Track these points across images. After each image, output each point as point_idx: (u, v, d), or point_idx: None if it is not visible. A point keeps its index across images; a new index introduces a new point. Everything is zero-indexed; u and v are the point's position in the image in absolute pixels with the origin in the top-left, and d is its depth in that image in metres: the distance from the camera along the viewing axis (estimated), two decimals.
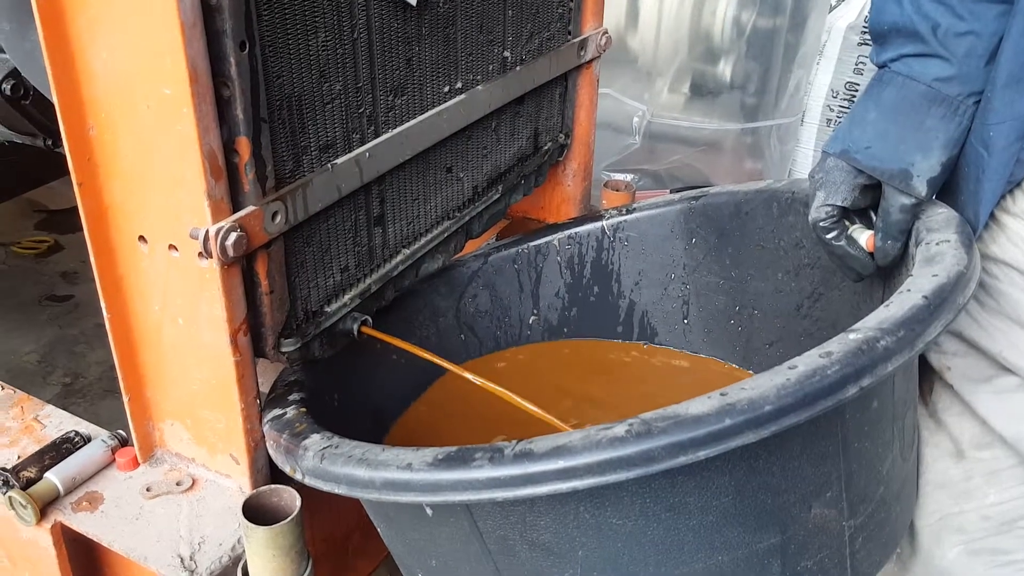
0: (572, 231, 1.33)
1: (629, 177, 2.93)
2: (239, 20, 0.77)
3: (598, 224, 1.33)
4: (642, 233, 1.32)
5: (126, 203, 0.87)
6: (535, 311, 1.33)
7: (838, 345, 0.69)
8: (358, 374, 1.11)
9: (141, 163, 0.83)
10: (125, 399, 0.99)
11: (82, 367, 2.41)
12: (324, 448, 0.79)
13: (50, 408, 1.14)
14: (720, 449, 0.65)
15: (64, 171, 1.67)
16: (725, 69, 3.06)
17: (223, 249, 0.81)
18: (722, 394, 0.67)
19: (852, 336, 0.70)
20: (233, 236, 0.81)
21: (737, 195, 1.23)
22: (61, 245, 2.97)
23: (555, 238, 1.33)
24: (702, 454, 0.65)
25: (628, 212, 1.32)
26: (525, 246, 1.32)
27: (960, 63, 0.88)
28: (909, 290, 0.76)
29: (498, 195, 1.29)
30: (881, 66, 0.95)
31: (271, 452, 0.89)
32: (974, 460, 0.99)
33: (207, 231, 0.80)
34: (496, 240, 1.43)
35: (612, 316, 1.34)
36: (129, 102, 0.80)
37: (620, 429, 0.66)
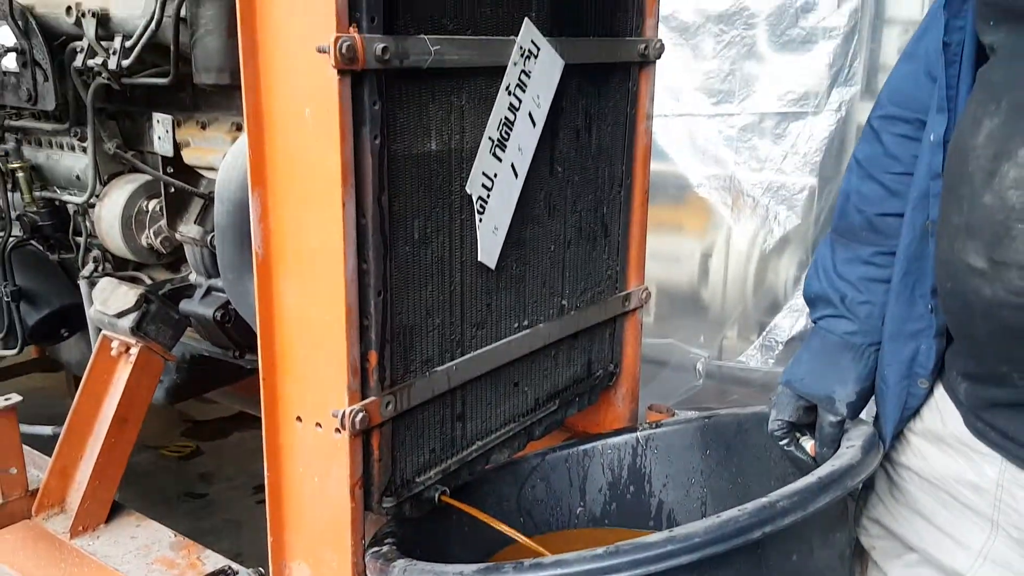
0: (613, 440, 1.69)
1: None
2: (379, 278, 1.22)
3: (633, 435, 1.68)
4: (668, 444, 1.66)
5: (292, 393, 1.30)
6: (582, 503, 1.66)
7: (752, 504, 1.03)
8: (437, 536, 1.45)
9: (306, 366, 1.27)
10: (269, 540, 1.37)
11: None
12: (406, 566, 1.14)
13: (209, 552, 1.53)
14: (666, 565, 0.98)
15: (225, 382, 2.14)
16: (783, 321, 3.44)
17: (353, 424, 1.22)
18: (670, 531, 1.00)
19: (763, 499, 1.03)
20: (360, 416, 1.22)
21: (739, 416, 1.58)
22: (202, 450, 3.45)
23: (599, 444, 1.68)
24: (653, 568, 0.98)
25: (657, 426, 1.68)
26: (575, 449, 1.68)
27: (862, 322, 1.26)
28: (812, 474, 1.09)
29: (555, 407, 1.67)
30: (814, 323, 1.34)
31: (368, 574, 1.24)
32: None
33: (344, 411, 1.22)
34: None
35: (645, 511, 1.66)
36: (305, 327, 1.25)
37: (600, 550, 1.00)
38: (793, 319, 3.31)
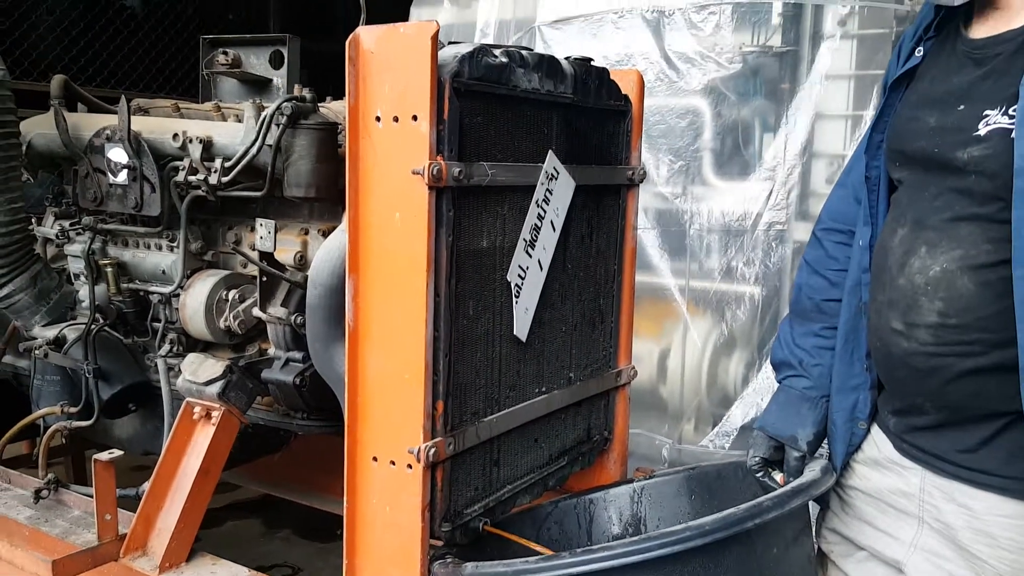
0: (613, 490, 2.03)
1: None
2: (446, 343, 1.59)
3: (630, 486, 2.03)
4: (660, 492, 2.01)
5: (369, 437, 1.63)
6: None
7: (745, 504, 1.39)
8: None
9: (384, 415, 1.60)
10: (344, 564, 1.67)
11: None
12: (476, 565, 1.47)
13: None
14: (684, 547, 1.33)
15: (256, 455, 2.43)
16: (736, 411, 3.84)
17: (427, 457, 1.55)
18: (686, 524, 1.36)
19: (752, 501, 1.40)
20: (432, 451, 1.56)
21: (718, 465, 1.96)
22: (199, 537, 3.64)
23: (602, 493, 2.03)
24: (676, 548, 1.32)
25: (650, 478, 2.03)
26: (582, 497, 2.02)
27: (815, 380, 1.69)
28: (787, 486, 1.47)
29: (564, 463, 2.02)
30: (779, 382, 1.74)
31: None
32: None
33: (419, 448, 1.56)
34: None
35: None
36: (384, 385, 1.60)
37: (635, 538, 1.35)
38: (745, 409, 3.71)
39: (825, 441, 1.68)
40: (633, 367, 2.26)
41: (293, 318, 1.85)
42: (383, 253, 1.58)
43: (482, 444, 1.74)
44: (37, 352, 2.16)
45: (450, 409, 1.63)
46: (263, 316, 1.87)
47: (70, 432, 2.17)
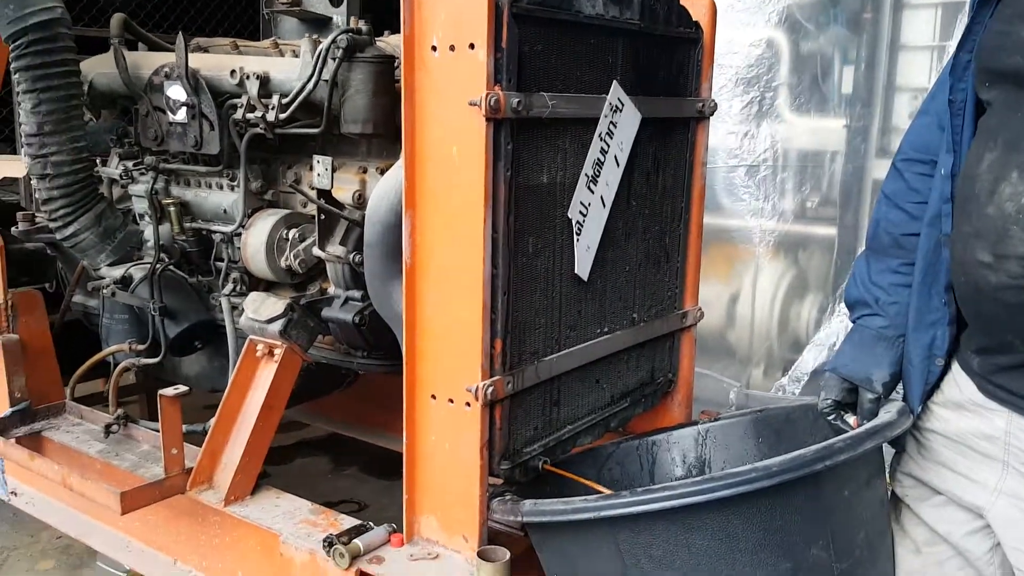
0: (677, 432, 1.99)
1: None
2: (505, 281, 1.55)
3: (695, 428, 1.98)
4: (726, 434, 1.96)
5: (427, 375, 1.61)
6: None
7: (814, 446, 1.33)
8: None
9: (442, 353, 1.58)
10: (405, 499, 1.67)
11: None
12: (535, 502, 1.44)
13: (343, 516, 1.82)
14: (749, 488, 1.28)
15: (322, 393, 2.47)
16: (807, 356, 3.74)
17: (485, 396, 1.52)
18: (752, 465, 1.31)
19: (823, 443, 1.34)
20: (490, 390, 1.53)
21: (787, 408, 1.89)
22: (268, 473, 3.73)
23: (665, 436, 1.98)
24: (741, 489, 1.28)
25: (716, 420, 1.98)
26: (646, 439, 1.97)
27: (892, 319, 1.59)
28: (861, 427, 1.40)
29: (627, 404, 1.98)
30: (853, 322, 1.66)
31: (498, 515, 1.53)
32: (927, 554, 1.55)
33: (478, 385, 1.53)
34: None
35: None
36: (441, 323, 1.57)
37: (698, 479, 1.30)
38: (817, 354, 3.60)
39: (901, 384, 1.60)
40: (700, 308, 2.19)
41: (352, 256, 1.83)
42: (440, 188, 1.54)
43: (542, 384, 1.70)
44: (105, 291, 2.19)
45: (509, 348, 1.59)
46: (322, 255, 1.85)
47: (139, 369, 2.21)
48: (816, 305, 3.95)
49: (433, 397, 1.61)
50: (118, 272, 2.18)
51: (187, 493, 1.90)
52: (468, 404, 1.56)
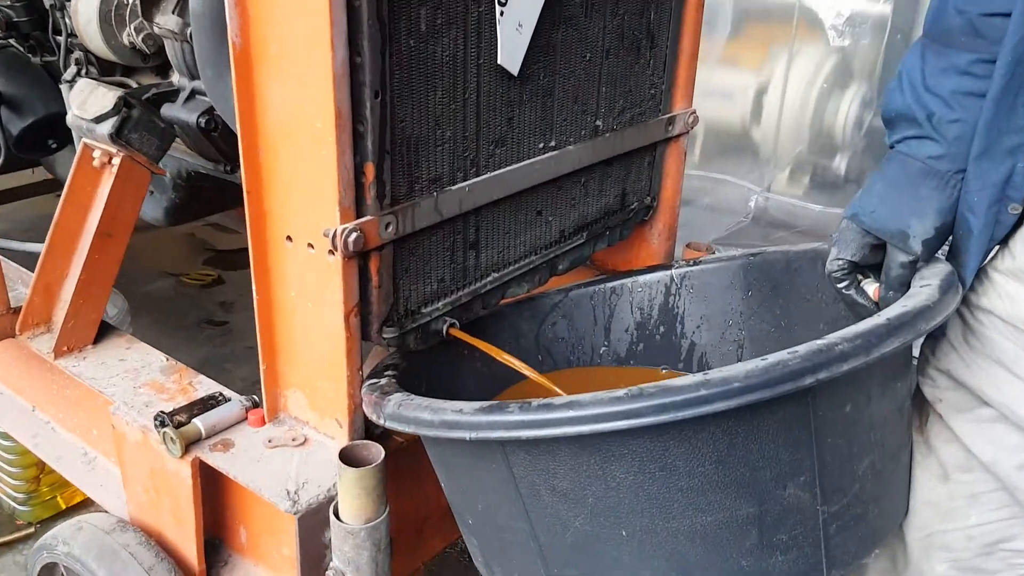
0: (644, 277, 1.53)
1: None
2: (376, 75, 1.04)
3: (667, 273, 1.52)
4: (706, 283, 1.50)
5: (279, 210, 1.15)
6: (606, 342, 1.53)
7: (804, 347, 0.87)
8: (444, 371, 1.33)
9: (293, 178, 1.11)
10: (262, 368, 1.26)
11: (228, 381, 2.76)
12: (402, 400, 1.02)
13: (202, 377, 1.43)
14: (696, 412, 0.83)
15: (232, 204, 2.01)
16: (841, 163, 3.20)
17: (345, 245, 1.06)
18: (704, 374, 0.85)
19: (817, 341, 0.87)
20: (354, 236, 1.07)
21: (789, 253, 1.41)
22: (223, 280, 3.38)
23: (629, 281, 1.53)
24: (680, 415, 0.83)
25: (694, 264, 1.51)
26: (602, 286, 1.53)
27: (950, 144, 1.06)
28: (879, 315, 0.93)
29: (583, 240, 1.51)
30: (890, 147, 1.13)
31: (365, 408, 1.12)
32: (958, 482, 1.11)
33: (335, 230, 1.07)
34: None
35: (674, 353, 1.52)
36: (289, 131, 1.08)
37: (620, 392, 0.86)
38: (854, 161, 3.05)
39: (949, 242, 1.10)
40: (694, 112, 1.66)
41: (189, 31, 1.31)
42: None
43: (449, 222, 1.23)
44: None
45: (390, 175, 1.11)
46: (152, 28, 1.33)
47: None
48: (858, 99, 3.34)
49: (289, 239, 1.16)
50: None
51: (18, 338, 1.51)
52: (331, 252, 1.10)
